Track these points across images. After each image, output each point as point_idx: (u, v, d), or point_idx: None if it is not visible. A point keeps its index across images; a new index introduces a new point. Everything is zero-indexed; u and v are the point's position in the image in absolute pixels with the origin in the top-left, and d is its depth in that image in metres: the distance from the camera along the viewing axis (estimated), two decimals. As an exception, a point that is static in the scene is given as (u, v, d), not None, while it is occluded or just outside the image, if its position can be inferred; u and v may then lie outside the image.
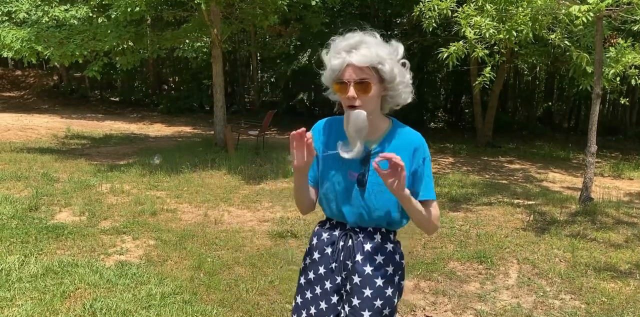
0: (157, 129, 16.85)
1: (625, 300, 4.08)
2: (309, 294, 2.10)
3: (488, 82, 7.73)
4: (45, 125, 15.27)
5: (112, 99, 26.42)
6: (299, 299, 2.14)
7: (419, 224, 2.02)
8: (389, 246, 2.06)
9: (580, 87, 9.19)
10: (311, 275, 2.10)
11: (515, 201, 7.42)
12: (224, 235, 5.45)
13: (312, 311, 2.08)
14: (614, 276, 4.58)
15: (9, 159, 9.10)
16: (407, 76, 1.95)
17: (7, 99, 23.82)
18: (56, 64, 11.97)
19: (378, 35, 1.91)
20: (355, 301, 2.03)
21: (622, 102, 8.75)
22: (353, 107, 1.87)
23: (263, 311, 3.71)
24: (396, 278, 2.08)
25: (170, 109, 21.93)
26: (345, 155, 1.91)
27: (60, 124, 16.00)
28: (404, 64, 1.94)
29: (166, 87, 26.51)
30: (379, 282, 2.03)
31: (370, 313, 2.02)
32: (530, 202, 7.38)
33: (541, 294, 4.20)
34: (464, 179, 9.31)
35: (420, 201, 1.97)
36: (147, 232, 5.44)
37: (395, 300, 2.09)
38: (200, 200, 6.90)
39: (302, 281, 2.14)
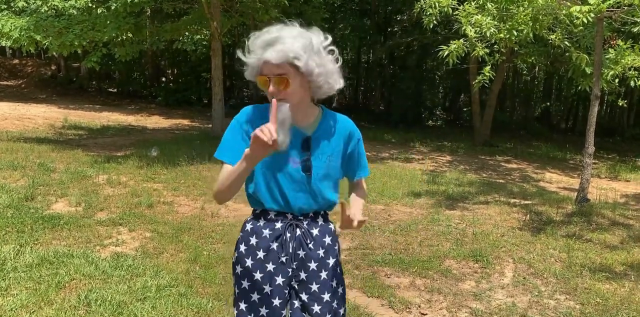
0: (154, 121, 16.81)
1: (619, 301, 4.09)
2: (255, 296, 2.07)
3: (487, 81, 7.73)
4: (42, 115, 15.22)
5: (110, 90, 26.33)
6: (242, 306, 2.09)
7: None
8: (331, 225, 2.16)
9: (579, 88, 9.22)
10: (257, 276, 2.06)
11: (512, 201, 7.44)
12: (220, 228, 5.44)
13: (263, 312, 2.06)
14: (609, 277, 4.59)
15: (5, 148, 9.06)
16: (330, 65, 1.95)
17: (4, 88, 23.71)
18: (54, 53, 11.96)
19: (298, 26, 1.91)
20: (314, 287, 2.07)
21: (620, 104, 8.77)
22: (276, 99, 1.90)
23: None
24: (338, 254, 2.17)
25: (169, 101, 21.89)
26: None
27: (58, 114, 15.94)
28: (329, 51, 1.94)
29: (164, 79, 26.43)
30: (331, 262, 2.11)
31: (329, 294, 2.09)
32: (526, 202, 7.40)
33: (536, 293, 4.21)
34: (461, 177, 9.32)
35: (357, 179, 2.22)
36: (144, 224, 5.43)
37: (343, 276, 2.21)
38: (197, 193, 6.89)
39: (246, 284, 2.09)
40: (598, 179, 10.26)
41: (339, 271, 2.16)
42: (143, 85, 25.49)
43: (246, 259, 2.09)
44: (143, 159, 8.93)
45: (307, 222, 2.07)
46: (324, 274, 2.08)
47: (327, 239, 2.10)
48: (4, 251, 4.30)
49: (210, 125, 12.59)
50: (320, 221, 2.11)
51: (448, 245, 5.29)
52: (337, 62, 1.98)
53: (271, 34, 1.86)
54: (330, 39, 1.96)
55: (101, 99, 22.77)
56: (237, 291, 2.12)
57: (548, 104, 23.37)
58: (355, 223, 2.01)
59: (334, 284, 2.12)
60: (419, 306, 3.90)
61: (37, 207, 5.71)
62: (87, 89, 25.48)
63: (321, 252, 2.08)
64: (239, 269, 2.11)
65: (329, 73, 1.95)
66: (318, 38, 1.93)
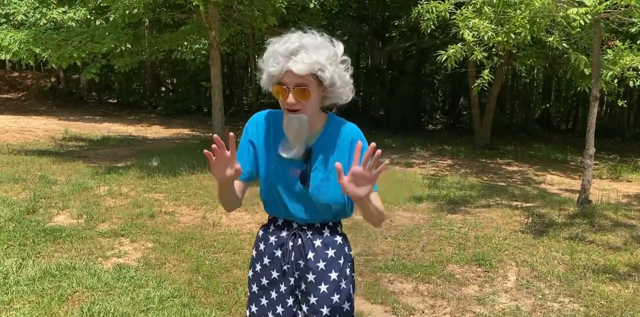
0: (155, 131, 16.84)
1: (624, 303, 4.08)
2: (264, 301, 2.09)
3: (486, 85, 7.73)
4: (42, 127, 15.24)
5: (109, 101, 26.40)
6: (254, 308, 2.11)
7: (372, 219, 1.97)
8: (338, 239, 2.08)
9: (578, 89, 9.22)
10: (264, 281, 2.08)
11: (514, 203, 7.42)
12: (222, 238, 5.43)
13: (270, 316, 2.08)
14: (613, 279, 4.57)
15: (6, 161, 9.07)
16: (347, 77, 1.92)
17: (4, 101, 23.77)
18: (54, 66, 11.98)
19: (318, 35, 1.85)
20: (313, 299, 2.03)
21: (620, 104, 8.77)
22: (291, 110, 1.86)
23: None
24: (347, 270, 2.09)
25: (168, 111, 21.92)
26: (285, 154, 1.92)
27: (58, 126, 15.97)
28: (343, 61, 1.90)
29: (164, 89, 26.49)
30: (333, 276, 2.04)
31: (329, 309, 2.03)
32: (528, 205, 7.39)
33: (540, 296, 4.19)
34: (462, 181, 9.31)
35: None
36: (145, 235, 5.43)
37: (352, 292, 2.11)
38: (198, 202, 6.88)
39: (255, 288, 2.11)
40: (600, 180, 10.24)
41: (343, 286, 2.06)
42: (143, 96, 25.54)
43: (256, 264, 2.12)
44: (144, 169, 8.94)
45: (311, 232, 2.04)
46: (323, 288, 2.03)
47: (330, 252, 2.04)
48: (7, 265, 4.30)
49: (211, 134, 12.59)
50: (326, 233, 2.06)
51: (451, 249, 5.28)
52: (350, 73, 1.94)
53: (294, 43, 1.79)
54: (342, 50, 1.90)
55: (101, 110, 22.82)
56: (249, 293, 2.15)
57: (548, 105, 23.36)
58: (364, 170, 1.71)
59: (335, 298, 2.04)
60: (423, 312, 3.89)
61: (39, 220, 5.71)
62: (87, 101, 25.53)
63: (322, 264, 2.03)
64: (250, 272, 2.15)
65: (346, 85, 1.92)
66: (339, 49, 1.88)
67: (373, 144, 1.68)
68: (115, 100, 26.28)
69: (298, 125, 1.86)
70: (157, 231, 5.58)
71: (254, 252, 2.14)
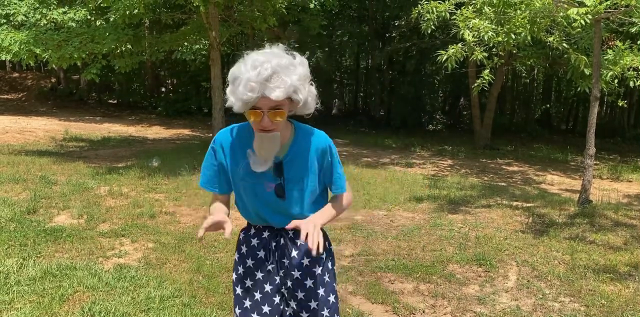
0: (155, 132, 16.84)
1: (624, 302, 4.08)
2: (247, 303, 2.12)
3: (487, 85, 7.73)
4: (43, 128, 15.25)
5: (110, 101, 26.41)
6: (237, 311, 2.15)
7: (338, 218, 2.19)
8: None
9: (579, 89, 9.23)
10: (248, 283, 2.13)
11: (514, 203, 7.42)
12: (222, 238, 5.43)
13: None
14: (613, 278, 4.57)
15: (7, 162, 9.08)
16: (312, 90, 1.92)
17: (4, 102, 23.78)
18: (54, 66, 11.98)
19: (282, 51, 1.84)
20: (300, 294, 2.09)
21: (620, 104, 8.77)
22: (264, 130, 1.88)
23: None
24: (329, 264, 2.18)
25: (169, 111, 21.92)
26: (257, 168, 1.95)
27: (58, 126, 15.98)
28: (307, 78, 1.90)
29: (164, 89, 26.49)
30: (318, 271, 2.12)
31: (317, 303, 2.09)
32: (528, 205, 7.38)
33: (540, 296, 4.19)
34: (463, 181, 9.31)
35: (334, 194, 2.14)
36: (146, 235, 5.43)
37: (335, 285, 2.19)
38: (199, 203, 6.88)
39: (239, 291, 2.15)
40: (600, 180, 10.24)
41: (327, 279, 2.15)
42: (143, 96, 25.55)
43: (239, 267, 2.17)
44: (144, 169, 8.94)
45: (292, 232, 2.08)
46: (309, 283, 2.10)
47: None
48: (7, 265, 4.30)
49: (211, 135, 12.59)
50: None
51: (451, 249, 5.28)
52: (314, 87, 1.94)
53: (266, 69, 1.75)
54: (307, 64, 1.89)
55: (101, 111, 22.83)
56: (233, 296, 2.19)
57: (548, 106, 23.37)
58: (301, 225, 1.89)
59: (321, 292, 2.12)
60: (424, 312, 3.89)
61: (40, 220, 5.71)
62: (87, 101, 25.53)
63: (306, 261, 2.10)
64: (234, 276, 2.19)
65: (314, 98, 1.94)
66: (304, 63, 1.87)
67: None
68: (115, 101, 26.29)
69: (272, 144, 1.89)
70: (158, 231, 5.58)
71: (236, 256, 2.19)
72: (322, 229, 2.15)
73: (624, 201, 8.01)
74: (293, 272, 2.09)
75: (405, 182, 8.81)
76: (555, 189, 9.25)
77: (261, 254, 2.12)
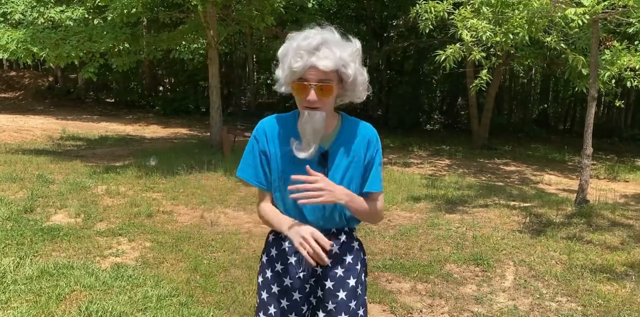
0: (152, 131, 16.82)
1: (621, 302, 4.08)
2: (272, 309, 2.00)
3: (484, 85, 7.74)
4: (40, 127, 15.22)
5: (107, 100, 26.38)
6: (262, 316, 2.04)
7: (363, 218, 1.99)
8: (355, 244, 2.04)
9: (576, 89, 9.24)
10: (275, 288, 2.01)
11: (512, 203, 7.43)
12: (220, 237, 5.43)
13: None
14: (610, 278, 4.58)
15: (4, 161, 9.06)
16: (365, 74, 1.87)
17: (1, 100, 23.74)
18: (51, 65, 11.94)
19: (336, 32, 1.79)
20: (331, 306, 1.97)
21: (618, 104, 8.78)
22: (311, 108, 1.80)
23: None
24: (363, 275, 2.06)
25: (166, 110, 21.91)
26: (300, 154, 1.85)
27: (56, 125, 15.95)
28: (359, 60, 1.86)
29: (162, 88, 26.48)
30: (352, 282, 1.99)
31: (347, 316, 1.97)
32: (526, 205, 7.39)
33: (538, 296, 4.20)
34: (460, 181, 9.32)
35: (365, 193, 1.95)
36: (143, 234, 5.42)
37: (365, 298, 2.07)
38: (196, 202, 6.88)
39: (265, 295, 2.03)
40: (597, 180, 10.26)
41: (359, 292, 2.02)
42: (141, 95, 25.53)
43: (266, 270, 2.04)
44: (142, 168, 8.93)
45: (328, 238, 1.90)
46: (342, 294, 1.97)
47: (348, 258, 1.99)
48: (4, 264, 4.29)
49: (209, 134, 12.59)
50: (343, 238, 2.00)
51: (448, 249, 5.29)
52: (366, 73, 1.89)
53: (316, 38, 1.72)
54: (360, 47, 1.85)
55: (99, 110, 22.80)
56: (257, 300, 2.08)
57: (545, 106, 23.40)
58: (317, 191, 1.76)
59: (352, 305, 1.99)
60: (421, 311, 3.89)
61: (37, 219, 5.70)
62: (84, 100, 25.52)
63: (340, 271, 1.98)
64: (260, 279, 2.07)
65: (365, 82, 1.88)
66: (358, 44, 1.83)
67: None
68: (113, 100, 26.26)
69: (318, 121, 1.79)
70: (155, 230, 5.58)
71: (264, 258, 2.06)
72: (358, 239, 2.07)
73: (621, 201, 8.03)
74: (325, 282, 1.96)
75: (402, 182, 8.82)
76: (552, 189, 9.26)
77: (292, 259, 1.98)
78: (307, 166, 1.69)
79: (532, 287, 4.37)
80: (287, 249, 1.99)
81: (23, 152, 10.29)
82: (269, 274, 2.03)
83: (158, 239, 5.28)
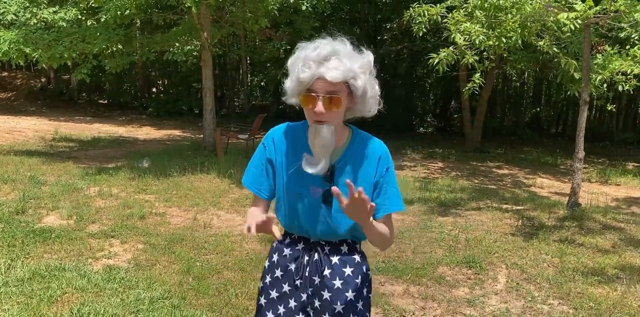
0: (145, 132, 16.77)
1: (612, 305, 4.11)
2: (270, 315, 1.98)
3: (477, 88, 7.77)
4: (32, 128, 15.15)
5: (100, 101, 26.28)
6: None
7: (375, 243, 1.91)
8: (357, 257, 1.99)
9: (568, 93, 9.28)
10: (273, 294, 1.98)
11: (504, 206, 7.46)
12: (213, 239, 5.42)
13: None
14: (602, 281, 4.61)
15: (-5, 162, 9.01)
16: (376, 87, 1.82)
17: (-6, 101, 23.61)
18: (44, 66, 11.89)
19: (348, 43, 1.76)
20: None
21: (609, 108, 8.83)
22: (318, 121, 1.75)
23: (252, 316, 3.69)
24: (365, 290, 1.99)
25: (159, 112, 21.84)
26: (309, 170, 1.80)
27: (48, 126, 15.88)
28: (371, 73, 1.80)
29: (155, 90, 26.41)
30: (350, 296, 1.94)
31: None
32: (518, 208, 7.42)
33: (529, 299, 4.22)
34: (453, 184, 9.34)
35: (383, 215, 1.90)
36: (136, 236, 5.41)
37: (367, 314, 2.00)
38: (189, 204, 6.87)
39: (263, 301, 2.02)
40: (589, 183, 10.30)
41: (360, 307, 1.96)
42: (134, 97, 25.44)
43: (267, 276, 2.03)
44: (134, 170, 8.90)
45: (328, 248, 1.93)
46: (338, 307, 1.92)
47: (348, 270, 1.94)
48: (-5, 266, 4.27)
49: (202, 136, 12.56)
50: (344, 250, 1.96)
51: (441, 252, 5.30)
52: (378, 87, 1.83)
53: (325, 48, 1.68)
54: (372, 60, 1.79)
55: (92, 111, 22.71)
56: (257, 305, 2.07)
57: (538, 109, 23.47)
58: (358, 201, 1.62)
59: None
60: (414, 314, 3.90)
61: (28, 221, 5.67)
62: (77, 101, 25.40)
63: (338, 283, 1.93)
64: (261, 284, 2.06)
65: (375, 96, 1.82)
66: (370, 57, 1.78)
67: (360, 188, 1.59)
68: (105, 101, 26.15)
69: (326, 135, 1.74)
70: (148, 232, 5.56)
71: (267, 263, 2.05)
72: (362, 251, 2.02)
73: (612, 204, 8.07)
74: (323, 292, 1.92)
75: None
76: (544, 192, 9.30)
77: (292, 266, 1.96)
78: (347, 180, 1.61)
79: (524, 290, 4.38)
80: (288, 255, 1.98)
81: (15, 153, 10.23)
82: (268, 279, 2.02)
83: (150, 241, 5.26)
